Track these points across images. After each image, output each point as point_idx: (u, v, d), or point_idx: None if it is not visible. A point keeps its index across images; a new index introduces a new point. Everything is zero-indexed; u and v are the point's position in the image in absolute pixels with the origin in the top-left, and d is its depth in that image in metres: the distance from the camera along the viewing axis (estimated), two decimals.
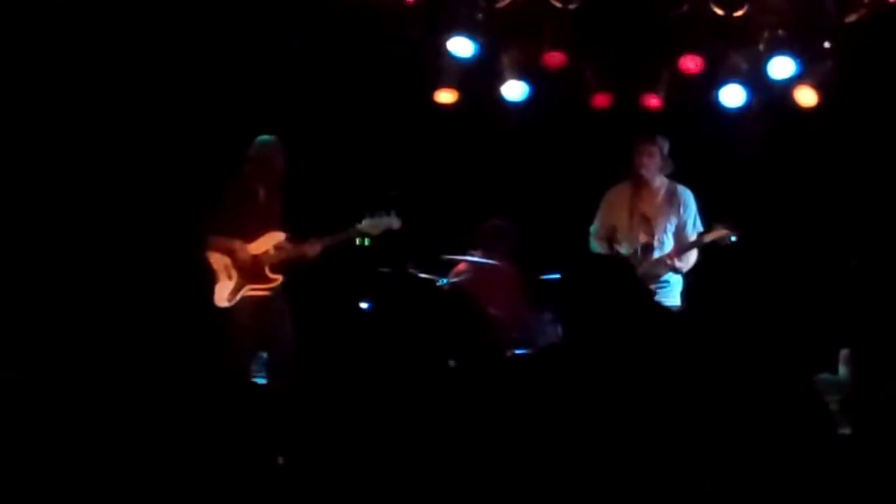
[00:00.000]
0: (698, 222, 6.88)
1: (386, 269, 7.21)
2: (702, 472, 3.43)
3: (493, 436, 3.61)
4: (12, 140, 7.24)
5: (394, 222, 6.75)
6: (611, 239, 6.86)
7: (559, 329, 6.94)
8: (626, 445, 3.47)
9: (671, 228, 6.89)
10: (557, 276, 7.38)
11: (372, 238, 6.86)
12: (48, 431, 3.90)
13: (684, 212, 6.89)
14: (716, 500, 3.36)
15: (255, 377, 6.62)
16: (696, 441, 3.52)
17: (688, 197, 6.93)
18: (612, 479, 3.44)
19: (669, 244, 6.86)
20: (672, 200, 6.91)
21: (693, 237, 6.83)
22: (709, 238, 6.74)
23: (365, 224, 6.70)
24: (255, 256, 6.54)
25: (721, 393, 3.71)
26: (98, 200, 7.49)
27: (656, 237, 6.84)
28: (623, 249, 6.80)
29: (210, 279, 6.51)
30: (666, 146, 6.90)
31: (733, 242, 6.66)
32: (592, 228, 7.13)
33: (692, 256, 6.88)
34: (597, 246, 7.04)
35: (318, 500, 3.85)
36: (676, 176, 7.00)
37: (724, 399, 3.70)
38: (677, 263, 6.79)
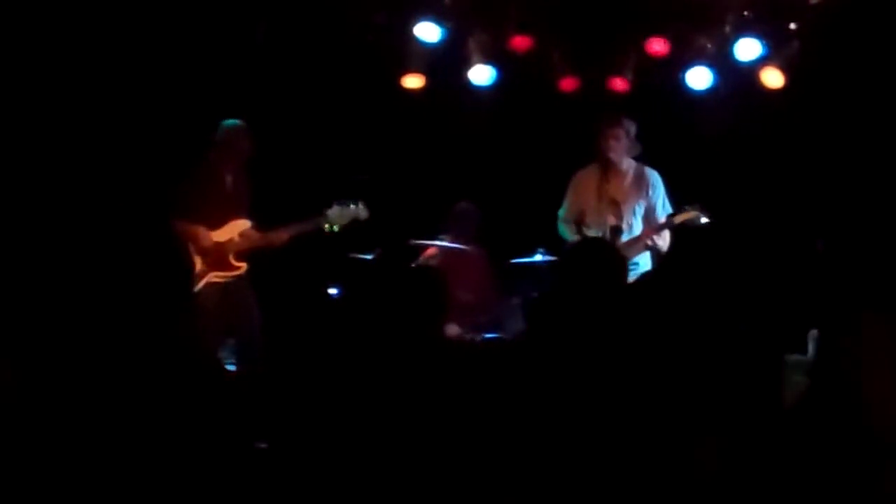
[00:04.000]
0: (667, 204, 6.86)
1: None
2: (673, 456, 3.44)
3: (472, 421, 3.61)
4: None
5: (361, 212, 6.73)
6: (579, 223, 6.84)
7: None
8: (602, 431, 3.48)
9: (640, 211, 6.87)
10: (527, 259, 7.40)
11: (340, 226, 6.84)
12: (15, 419, 3.85)
13: (653, 194, 6.87)
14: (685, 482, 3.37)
15: (224, 364, 6.58)
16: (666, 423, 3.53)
17: (656, 179, 6.90)
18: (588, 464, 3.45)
19: (638, 227, 6.84)
20: (640, 183, 6.89)
21: (663, 219, 6.82)
22: (679, 220, 6.70)
23: (332, 213, 6.68)
24: (219, 244, 6.49)
25: (691, 373, 3.72)
26: (62, 187, 7.38)
27: (625, 220, 6.80)
28: (592, 233, 6.77)
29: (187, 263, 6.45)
30: (633, 128, 6.87)
31: (704, 224, 6.65)
32: (560, 212, 7.10)
33: (665, 237, 6.86)
34: (565, 230, 7.01)
35: (296, 484, 3.83)
36: (644, 158, 6.99)
37: (693, 380, 3.71)
38: (658, 242, 6.75)
